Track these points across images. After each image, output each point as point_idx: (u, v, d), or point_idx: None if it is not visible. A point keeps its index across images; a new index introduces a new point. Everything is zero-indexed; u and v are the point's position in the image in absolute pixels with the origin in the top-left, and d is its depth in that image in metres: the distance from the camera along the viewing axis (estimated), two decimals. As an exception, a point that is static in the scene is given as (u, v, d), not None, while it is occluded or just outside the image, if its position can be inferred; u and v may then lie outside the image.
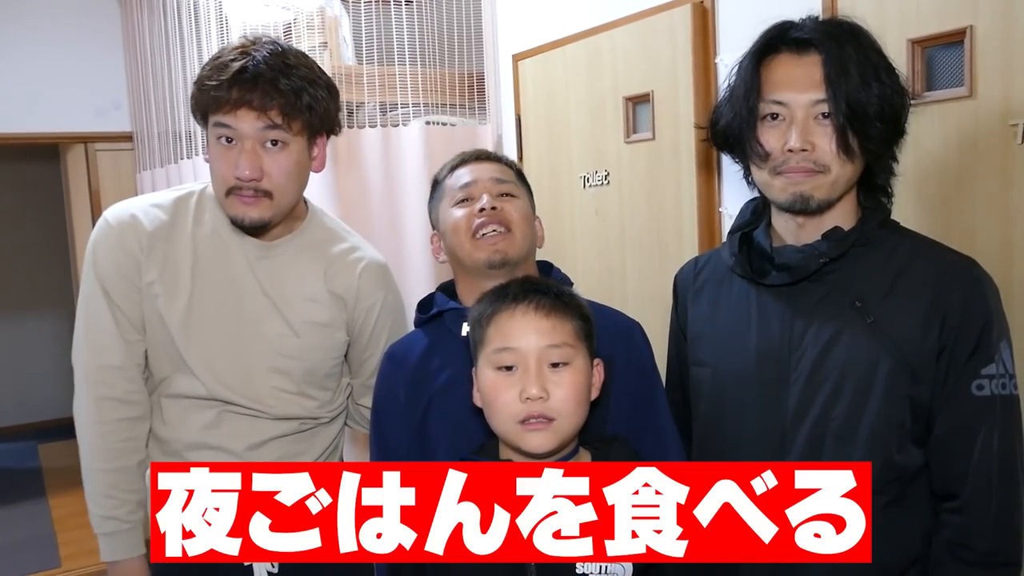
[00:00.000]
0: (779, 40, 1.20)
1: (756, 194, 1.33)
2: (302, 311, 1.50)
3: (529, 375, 1.08)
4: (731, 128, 1.24)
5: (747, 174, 1.30)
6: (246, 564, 1.48)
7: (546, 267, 1.45)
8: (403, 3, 2.57)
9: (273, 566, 1.50)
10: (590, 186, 2.30)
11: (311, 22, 2.39)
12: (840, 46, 1.15)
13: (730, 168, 1.94)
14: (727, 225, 2.00)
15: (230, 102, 1.35)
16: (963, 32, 1.43)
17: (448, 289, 1.44)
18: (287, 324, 1.49)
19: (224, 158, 1.38)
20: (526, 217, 1.37)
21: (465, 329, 1.30)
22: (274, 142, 1.38)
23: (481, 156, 1.43)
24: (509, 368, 1.10)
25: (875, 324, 1.16)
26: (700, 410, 1.36)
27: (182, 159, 3.01)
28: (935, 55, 1.51)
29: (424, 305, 1.44)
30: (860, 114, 1.14)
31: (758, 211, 1.35)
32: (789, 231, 1.26)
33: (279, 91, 1.36)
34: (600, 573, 1.07)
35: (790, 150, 1.16)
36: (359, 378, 1.63)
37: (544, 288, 1.15)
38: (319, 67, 1.47)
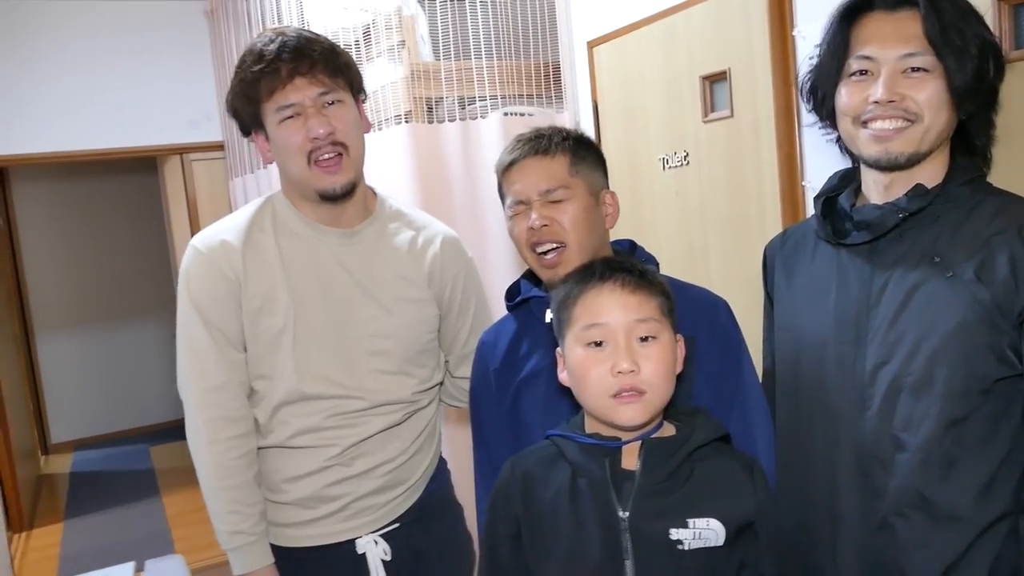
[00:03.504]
0: (865, 4, 1.23)
1: (846, 163, 1.36)
2: (392, 290, 1.59)
3: (619, 349, 1.13)
4: (818, 85, 1.30)
5: (837, 137, 1.34)
6: (359, 552, 1.58)
7: (630, 246, 1.48)
8: (477, -1, 2.67)
9: (386, 553, 1.59)
10: (669, 167, 2.32)
11: (389, 22, 2.48)
12: (938, 5, 1.17)
13: (811, 141, 1.96)
14: (811, 199, 1.97)
15: (282, 78, 1.47)
16: None
17: (532, 276, 1.48)
18: (380, 305, 1.57)
19: (294, 130, 1.49)
20: (580, 219, 1.37)
21: (549, 316, 1.34)
22: (331, 102, 1.51)
23: (532, 150, 1.41)
24: (599, 344, 1.15)
25: (954, 278, 1.17)
26: (783, 374, 1.40)
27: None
28: (1023, 12, 1.49)
29: (511, 292, 1.50)
30: (961, 65, 1.16)
31: (848, 177, 1.38)
32: (877, 190, 1.28)
33: (321, 55, 1.49)
34: (694, 538, 1.11)
35: (876, 102, 1.19)
36: (454, 350, 1.72)
37: (627, 266, 1.20)
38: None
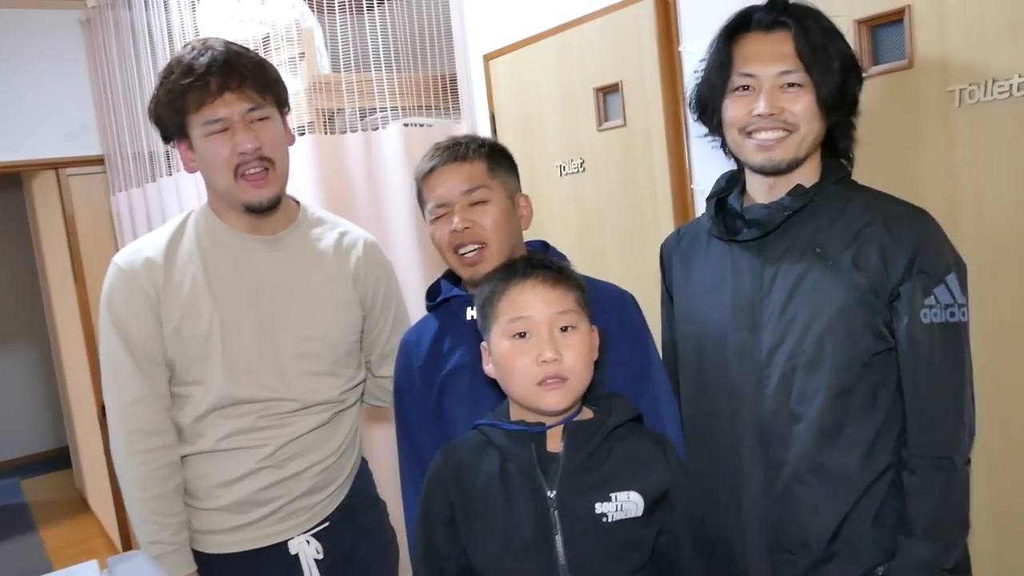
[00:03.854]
0: (747, 21, 1.38)
1: (730, 166, 1.50)
2: (318, 293, 1.63)
3: (543, 340, 1.21)
4: (704, 98, 1.43)
5: (722, 142, 1.47)
6: (292, 553, 1.61)
7: (543, 246, 1.56)
8: (375, 8, 2.68)
9: (318, 551, 1.63)
10: (566, 174, 2.44)
11: (288, 34, 2.50)
12: (806, 25, 1.33)
13: (698, 147, 2.10)
14: (699, 201, 2.14)
15: (211, 92, 1.48)
16: (902, 11, 1.59)
17: (451, 276, 1.55)
18: (307, 308, 1.61)
19: (222, 144, 1.51)
20: (499, 221, 1.44)
21: (469, 313, 1.42)
22: (259, 118, 1.53)
23: (450, 157, 1.46)
24: (523, 335, 1.22)
25: (834, 266, 1.32)
26: (687, 360, 1.53)
27: (161, 176, 3.09)
28: (879, 33, 1.67)
29: (432, 292, 1.56)
30: (827, 79, 1.31)
31: (733, 179, 1.52)
32: (761, 191, 1.43)
33: (249, 71, 1.51)
34: (616, 511, 1.20)
35: (759, 115, 1.33)
36: (376, 350, 1.77)
37: (547, 263, 1.28)
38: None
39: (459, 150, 1.47)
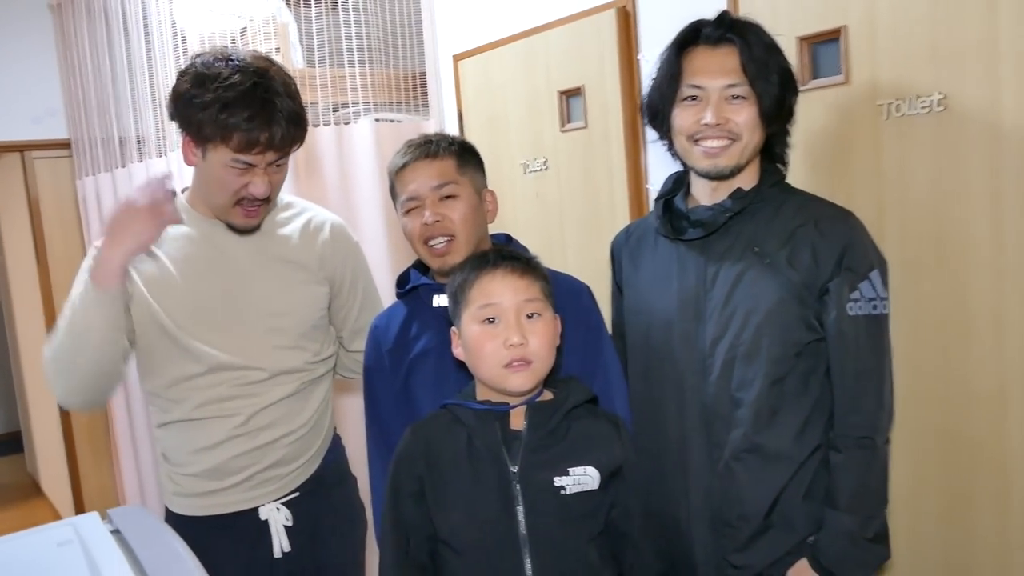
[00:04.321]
0: (696, 35, 1.47)
1: (678, 168, 1.61)
2: (286, 273, 1.71)
3: (511, 325, 1.30)
4: (655, 105, 1.53)
5: (670, 146, 1.57)
6: (263, 519, 1.69)
7: (506, 239, 1.66)
8: (349, 3, 2.75)
9: (288, 519, 1.71)
10: (530, 172, 2.55)
11: (264, 29, 2.58)
12: (749, 41, 1.43)
13: (654, 150, 2.21)
14: (654, 200, 2.29)
15: (258, 145, 1.53)
16: (838, 31, 1.72)
17: (419, 265, 1.64)
18: (275, 287, 1.70)
19: (235, 177, 1.57)
20: (468, 215, 1.52)
21: (436, 301, 1.52)
22: (278, 165, 1.61)
23: (422, 153, 1.54)
24: (492, 321, 1.32)
25: (770, 264, 1.43)
26: (635, 349, 1.63)
27: (132, 162, 3.13)
28: (818, 50, 1.80)
29: (401, 280, 1.64)
30: (767, 92, 1.42)
31: (679, 181, 1.62)
32: (705, 193, 1.54)
33: (295, 128, 1.57)
34: (574, 484, 1.30)
35: (706, 124, 1.43)
36: (347, 325, 1.85)
37: (515, 255, 1.39)
38: (292, 80, 1.65)
39: (431, 147, 1.54)
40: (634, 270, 1.64)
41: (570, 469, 1.31)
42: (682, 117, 1.47)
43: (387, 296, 1.88)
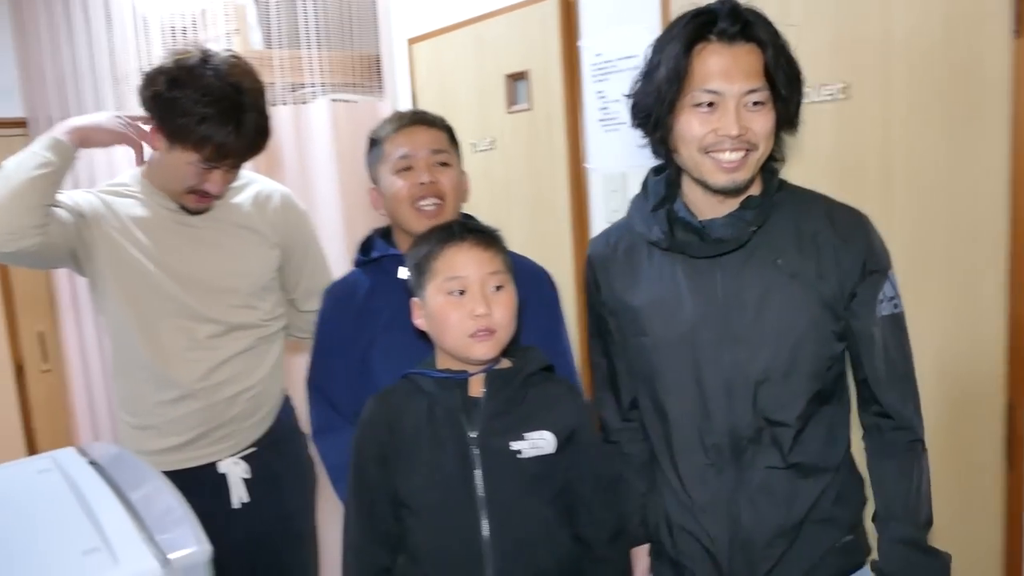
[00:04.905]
0: (705, 29, 1.19)
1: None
2: (240, 236, 1.74)
3: (476, 297, 1.25)
4: (650, 110, 1.23)
5: (664, 153, 1.29)
6: (221, 472, 1.71)
7: (469, 219, 1.53)
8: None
9: (246, 472, 1.72)
10: (478, 151, 2.53)
11: (224, 10, 2.45)
12: (767, 39, 1.18)
13: (593, 130, 2.21)
14: (592, 178, 2.25)
15: (223, 156, 1.57)
16: None
17: (384, 233, 1.56)
18: (227, 252, 1.71)
19: (196, 176, 1.59)
20: (457, 185, 1.48)
21: (403, 273, 1.42)
22: (237, 167, 1.65)
23: (418, 120, 1.50)
24: (458, 292, 1.26)
25: (796, 277, 1.23)
26: (646, 378, 1.36)
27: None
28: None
29: (365, 248, 1.56)
30: (792, 99, 1.22)
31: (673, 184, 1.32)
32: (710, 205, 1.27)
33: (261, 140, 1.61)
34: (530, 448, 1.27)
35: (726, 135, 1.18)
36: (300, 286, 1.87)
37: (481, 228, 1.32)
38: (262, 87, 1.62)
39: (426, 116, 1.51)
40: (632, 287, 1.34)
41: (526, 434, 1.27)
42: (693, 125, 1.20)
43: (337, 267, 1.88)
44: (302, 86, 2.73)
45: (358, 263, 1.56)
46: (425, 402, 1.31)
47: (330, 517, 2.12)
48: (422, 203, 1.46)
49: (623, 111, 2.12)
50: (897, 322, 1.27)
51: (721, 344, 1.26)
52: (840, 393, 1.31)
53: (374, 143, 1.52)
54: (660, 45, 1.22)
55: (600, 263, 1.41)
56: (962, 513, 1.64)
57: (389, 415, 1.32)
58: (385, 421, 1.32)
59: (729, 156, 1.20)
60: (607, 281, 1.39)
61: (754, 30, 1.18)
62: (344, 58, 2.81)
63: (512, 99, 2.47)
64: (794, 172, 1.75)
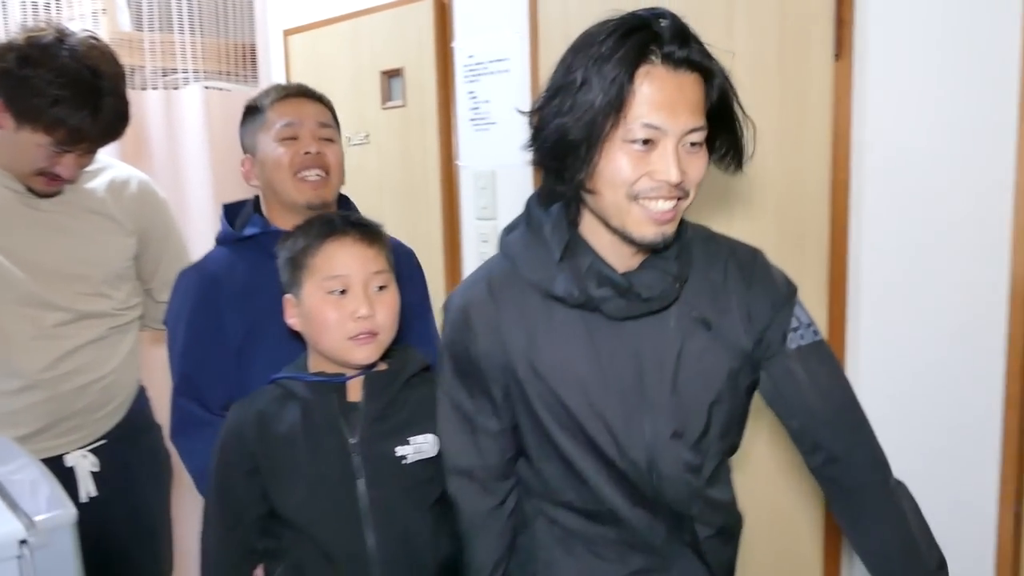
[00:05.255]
0: (647, 47, 0.94)
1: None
2: (93, 222, 1.61)
3: (359, 297, 1.16)
4: (576, 144, 0.96)
5: (571, 193, 1.03)
6: (68, 465, 1.58)
7: (345, 200, 1.50)
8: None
9: (94, 465, 1.61)
10: (353, 145, 2.48)
11: None
12: (710, 68, 0.97)
13: (463, 130, 2.22)
14: (463, 175, 2.26)
15: (82, 141, 1.46)
16: None
17: (255, 208, 1.44)
18: (79, 239, 1.58)
19: (44, 159, 1.48)
20: (340, 159, 1.40)
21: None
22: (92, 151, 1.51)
23: (305, 93, 1.41)
24: (338, 292, 1.16)
25: (715, 331, 1.07)
26: (552, 432, 1.12)
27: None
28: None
29: (231, 215, 1.44)
30: (732, 142, 1.03)
31: (573, 222, 1.08)
32: (620, 255, 1.06)
33: (119, 125, 1.52)
34: (414, 452, 1.20)
35: (664, 181, 0.96)
36: (157, 276, 1.75)
37: (365, 222, 1.21)
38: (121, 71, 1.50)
39: (313, 91, 1.42)
40: (529, 345, 1.09)
41: (410, 438, 1.19)
42: (623, 166, 0.95)
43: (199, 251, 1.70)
44: (174, 71, 2.53)
45: (225, 240, 1.40)
46: (299, 408, 1.19)
47: (186, 512, 2.07)
48: (305, 173, 1.36)
49: (493, 111, 2.18)
50: (820, 350, 1.09)
51: (639, 413, 1.08)
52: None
53: (254, 110, 1.42)
54: (587, 59, 0.94)
55: (480, 313, 1.10)
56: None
57: (258, 423, 1.19)
58: (254, 430, 1.19)
59: (662, 206, 0.97)
60: (496, 337, 1.09)
61: (699, 56, 0.95)
62: (219, 45, 2.64)
63: (387, 95, 2.43)
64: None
